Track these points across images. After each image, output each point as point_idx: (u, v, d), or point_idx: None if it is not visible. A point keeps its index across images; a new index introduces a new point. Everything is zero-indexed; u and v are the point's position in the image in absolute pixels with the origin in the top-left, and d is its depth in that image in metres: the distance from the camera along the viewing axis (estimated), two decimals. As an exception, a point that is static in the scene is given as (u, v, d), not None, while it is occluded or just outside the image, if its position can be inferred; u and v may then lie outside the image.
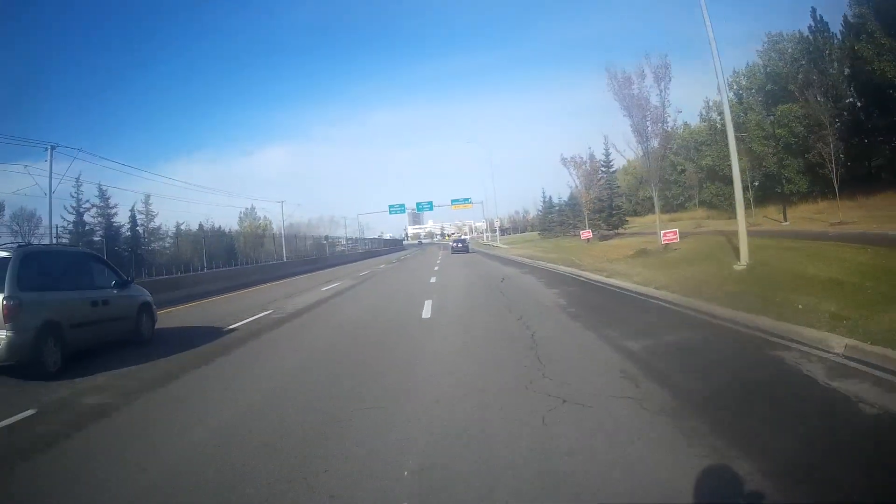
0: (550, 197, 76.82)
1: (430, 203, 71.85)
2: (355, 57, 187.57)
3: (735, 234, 26.56)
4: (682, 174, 57.63)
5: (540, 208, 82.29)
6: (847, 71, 37.35)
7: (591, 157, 48.66)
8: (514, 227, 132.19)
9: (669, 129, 21.69)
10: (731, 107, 46.95)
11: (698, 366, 5.19)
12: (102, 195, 48.91)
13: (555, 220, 70.47)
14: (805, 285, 9.69)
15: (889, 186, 31.02)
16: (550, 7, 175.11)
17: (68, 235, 44.32)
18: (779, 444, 3.22)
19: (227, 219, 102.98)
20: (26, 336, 6.21)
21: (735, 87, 49.95)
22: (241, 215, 73.33)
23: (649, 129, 20.95)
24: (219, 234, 61.21)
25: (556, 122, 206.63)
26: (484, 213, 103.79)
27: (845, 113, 36.52)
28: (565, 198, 69.49)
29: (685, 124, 54.09)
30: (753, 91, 47.59)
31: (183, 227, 56.37)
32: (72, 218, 47.42)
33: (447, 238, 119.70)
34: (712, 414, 3.83)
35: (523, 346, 6.45)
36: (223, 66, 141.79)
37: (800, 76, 39.49)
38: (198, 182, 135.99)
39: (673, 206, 62.32)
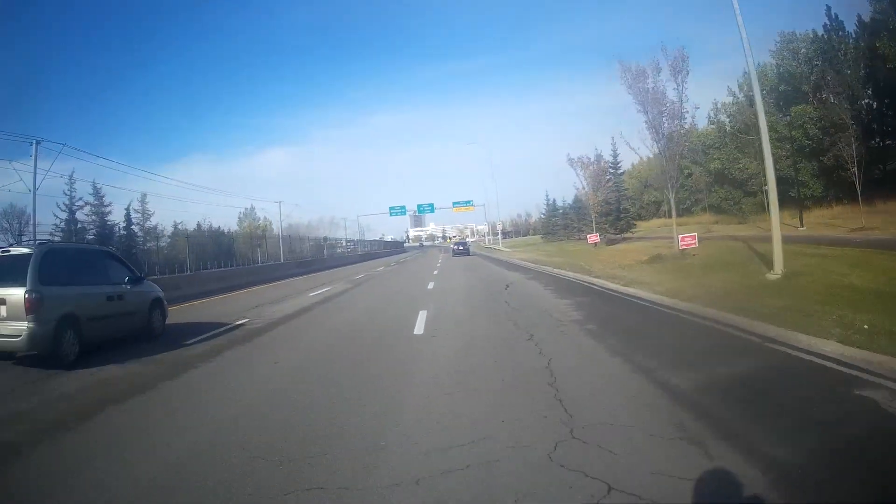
0: (554, 200, 75.49)
1: (431, 205, 70.94)
2: (356, 58, 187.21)
3: (754, 238, 25.24)
4: (689, 178, 56.16)
5: (543, 211, 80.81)
6: (863, 71, 36.01)
7: (599, 157, 47.12)
8: (515, 231, 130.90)
9: (688, 126, 20.23)
10: (740, 109, 45.70)
11: (778, 415, 3.80)
12: (97, 193, 48.14)
13: (558, 224, 69.11)
14: (856, 299, 8.37)
15: (909, 191, 29.56)
16: (551, 9, 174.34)
17: (60, 234, 43.34)
18: None
19: (226, 219, 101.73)
20: (47, 328, 6.59)
21: (745, 89, 48.67)
22: (241, 216, 72.53)
23: (665, 125, 19.53)
24: (216, 235, 60.19)
25: (557, 125, 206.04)
26: (486, 216, 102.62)
27: (862, 114, 35.20)
28: (569, 200, 68.22)
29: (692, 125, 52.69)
30: (765, 92, 46.26)
31: (180, 226, 55.49)
32: (64, 216, 46.61)
33: (448, 241, 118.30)
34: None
35: (538, 380, 5.05)
36: (224, 68, 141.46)
37: (812, 77, 38.19)
38: (200, 183, 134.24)
39: (679, 211, 60.66)
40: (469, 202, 71.21)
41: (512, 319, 8.80)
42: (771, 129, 42.05)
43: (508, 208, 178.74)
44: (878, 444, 3.29)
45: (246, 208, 72.09)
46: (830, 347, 5.63)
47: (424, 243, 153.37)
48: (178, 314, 11.54)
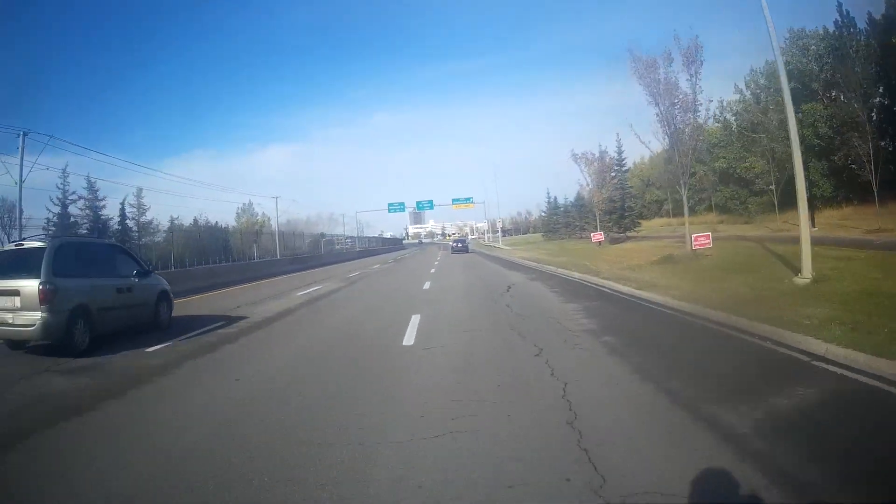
0: (555, 197, 74.38)
1: (431, 202, 70.07)
2: (357, 58, 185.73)
3: (766, 239, 24.21)
4: (693, 176, 55.07)
5: (544, 209, 79.64)
6: (875, 69, 34.96)
7: (604, 153, 45.90)
8: (515, 229, 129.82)
9: (702, 119, 19.10)
10: (747, 107, 44.62)
11: (872, 475, 2.78)
12: (91, 187, 47.22)
13: (560, 222, 68.12)
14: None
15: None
16: (551, 8, 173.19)
17: (52, 228, 42.41)
18: None
19: (225, 215, 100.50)
20: (60, 317, 6.86)
21: (752, 87, 47.57)
22: (239, 211, 71.42)
23: (678, 117, 18.41)
24: (212, 230, 59.15)
25: (557, 125, 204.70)
26: (486, 214, 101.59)
27: (873, 112, 34.17)
28: (571, 198, 67.20)
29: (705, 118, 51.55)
30: (772, 90, 45.17)
31: (177, 221, 54.53)
32: (57, 210, 45.61)
33: (448, 238, 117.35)
34: None
35: (553, 414, 4.00)
36: (224, 67, 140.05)
37: (823, 74, 37.12)
38: (202, 180, 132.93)
39: (682, 210, 59.70)
40: (469, 199, 70.39)
41: (516, 328, 7.74)
42: (780, 127, 41.15)
43: (508, 206, 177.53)
44: None
45: (244, 204, 70.99)
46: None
47: (424, 240, 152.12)
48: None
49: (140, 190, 51.87)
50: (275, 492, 2.98)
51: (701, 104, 18.68)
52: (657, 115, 18.78)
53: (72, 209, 46.81)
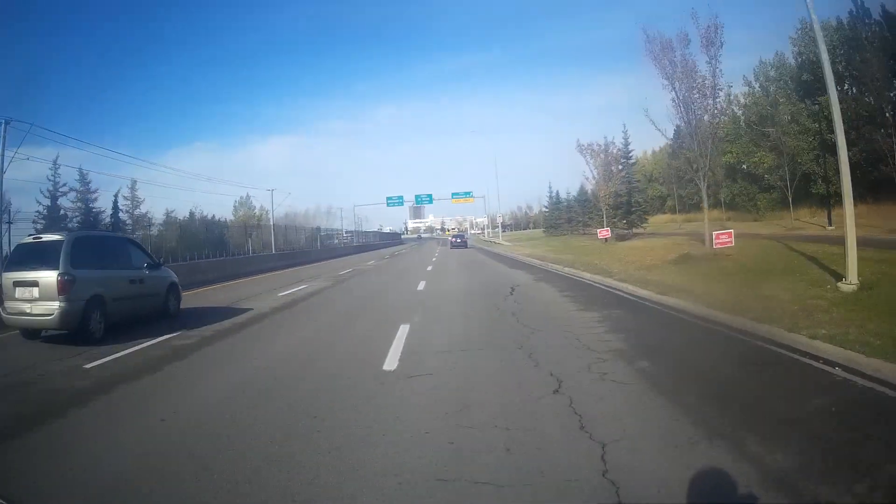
0: (557, 192, 72.80)
1: (430, 196, 68.81)
2: (357, 49, 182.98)
3: (784, 237, 22.73)
4: (699, 171, 53.57)
5: (545, 204, 78.03)
6: (890, 61, 33.42)
7: (610, 144, 44.11)
8: (516, 224, 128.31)
9: (722, 105, 17.56)
10: (756, 100, 43.02)
11: None
12: (83, 179, 46.17)
13: (562, 217, 66.65)
14: None
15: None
16: (555, 4, 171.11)
17: (43, 221, 41.03)
18: None
19: (222, 208, 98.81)
20: (77, 307, 7.22)
21: (762, 80, 45.98)
22: (236, 204, 70.08)
23: (697, 101, 16.87)
24: (208, 223, 57.74)
25: (559, 119, 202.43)
26: (486, 209, 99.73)
27: (887, 107, 32.67)
28: (574, 193, 65.68)
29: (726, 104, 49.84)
30: (783, 83, 43.56)
31: (172, 214, 53.30)
32: (47, 203, 44.19)
33: (447, 233, 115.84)
34: None
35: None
36: (224, 59, 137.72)
37: (835, 66, 35.54)
38: (202, 173, 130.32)
39: (687, 206, 58.15)
40: (468, 194, 69.13)
41: (525, 348, 6.25)
42: (793, 120, 39.58)
43: (508, 201, 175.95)
44: None
45: (241, 197, 69.57)
46: None
47: (423, 235, 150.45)
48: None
49: (134, 182, 50.84)
50: None
51: (721, 89, 17.13)
52: (673, 100, 17.25)
53: (62, 202, 45.84)
